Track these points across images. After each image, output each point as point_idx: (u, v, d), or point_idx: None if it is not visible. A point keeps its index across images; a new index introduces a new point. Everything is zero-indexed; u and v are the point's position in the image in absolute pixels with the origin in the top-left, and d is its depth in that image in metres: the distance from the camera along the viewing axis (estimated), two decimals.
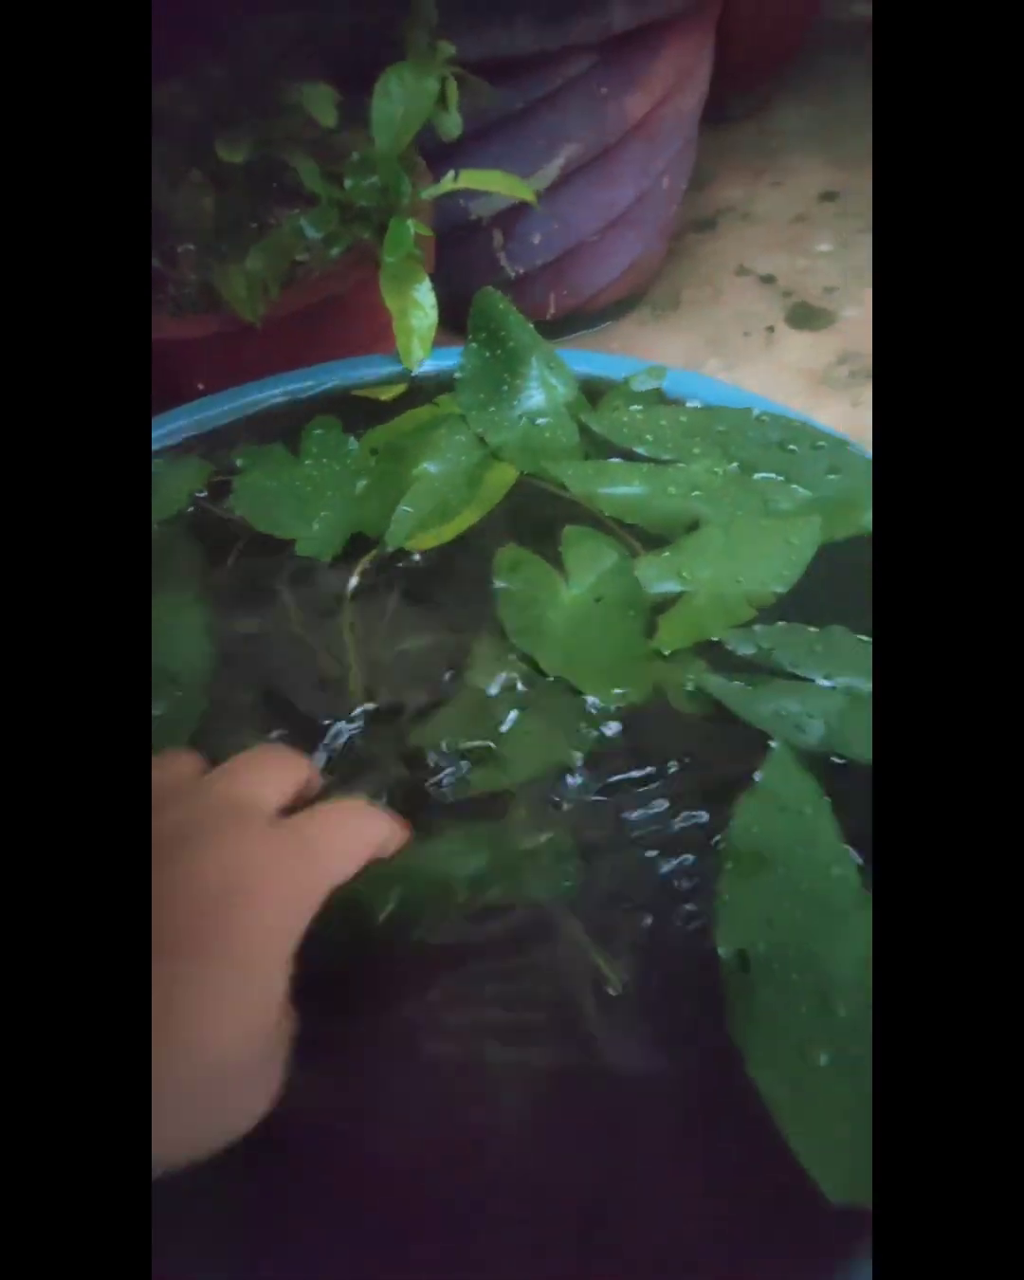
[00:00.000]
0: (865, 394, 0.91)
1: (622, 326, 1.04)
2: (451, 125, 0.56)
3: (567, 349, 0.53)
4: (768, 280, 1.07)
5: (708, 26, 0.87)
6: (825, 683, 0.37)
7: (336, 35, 0.58)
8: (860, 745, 0.35)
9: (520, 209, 0.86)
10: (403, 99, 0.54)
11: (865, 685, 0.36)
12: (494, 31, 0.74)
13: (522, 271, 0.92)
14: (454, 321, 0.55)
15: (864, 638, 0.38)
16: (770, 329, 1.01)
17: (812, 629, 0.39)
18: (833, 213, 1.15)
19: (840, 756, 0.35)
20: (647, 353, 1.00)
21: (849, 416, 0.90)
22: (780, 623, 0.39)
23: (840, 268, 1.07)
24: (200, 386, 0.61)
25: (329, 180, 0.54)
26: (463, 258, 0.91)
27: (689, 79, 0.87)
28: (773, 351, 0.98)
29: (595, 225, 0.91)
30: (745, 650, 0.38)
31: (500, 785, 0.35)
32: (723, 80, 1.21)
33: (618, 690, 0.38)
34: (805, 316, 1.02)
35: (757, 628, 0.39)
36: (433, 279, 0.55)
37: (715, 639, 0.38)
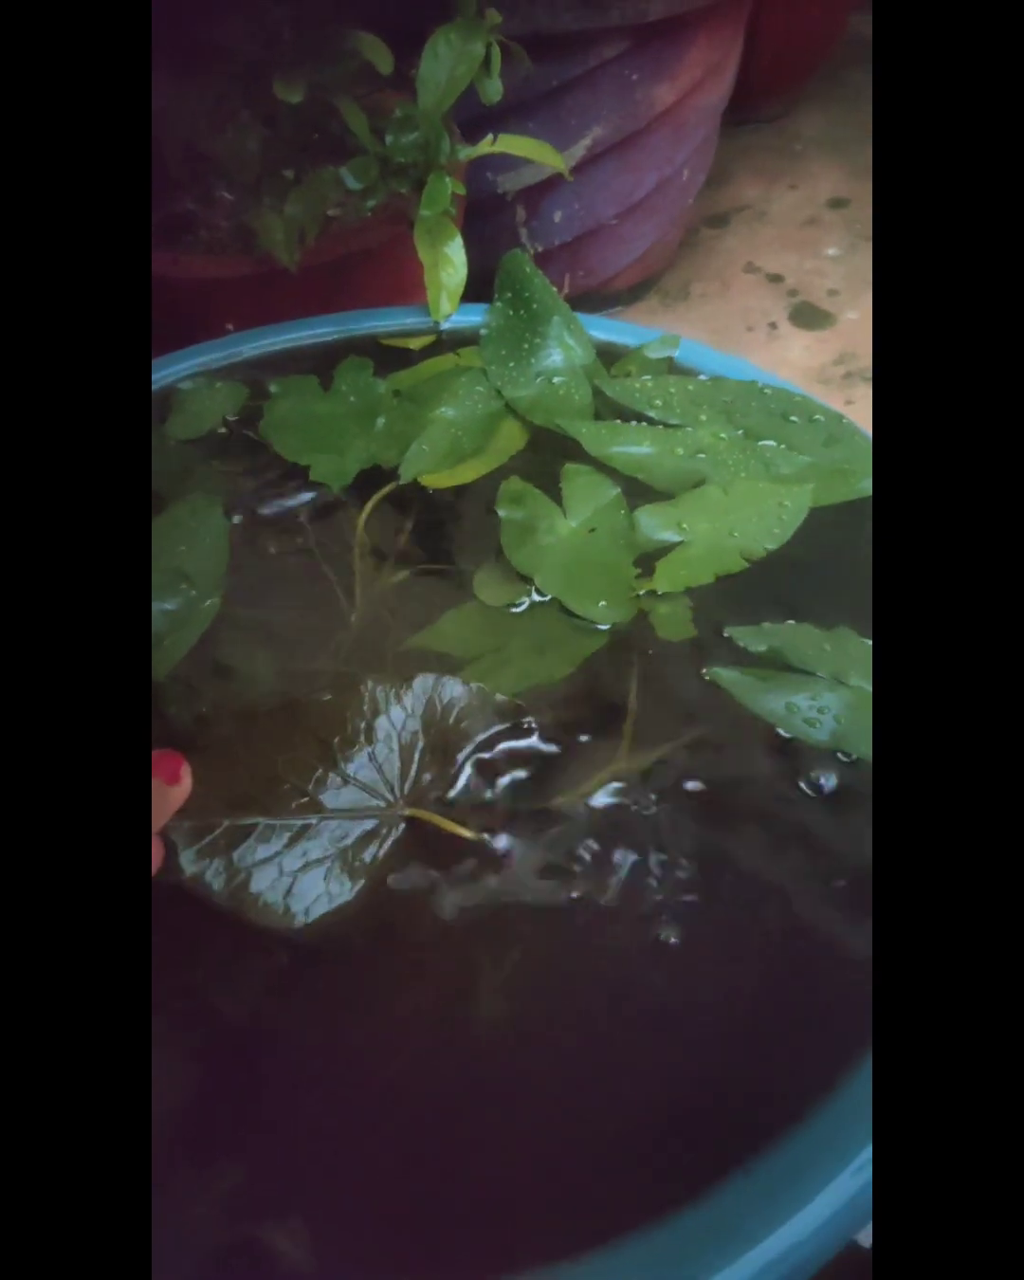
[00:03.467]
0: (859, 393, 0.95)
1: (631, 313, 1.06)
2: (493, 90, 0.58)
3: (586, 315, 0.56)
4: (775, 279, 1.10)
5: (738, 25, 0.89)
6: (834, 682, 0.38)
7: None
8: (868, 744, 0.36)
9: (545, 187, 0.89)
10: (450, 60, 0.56)
11: (870, 686, 0.38)
12: (535, 7, 0.76)
13: (541, 249, 0.95)
14: (473, 292, 0.57)
15: (869, 641, 0.39)
16: (773, 325, 1.04)
17: (818, 629, 0.40)
18: (843, 218, 1.18)
19: (846, 754, 0.36)
20: None
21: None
22: (791, 622, 0.40)
23: (845, 271, 1.10)
24: (229, 326, 0.63)
25: (371, 136, 0.56)
26: (486, 231, 0.94)
27: (716, 75, 0.90)
28: (774, 347, 1.01)
29: (615, 209, 0.93)
30: (756, 646, 0.39)
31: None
32: (750, 86, 1.25)
33: (606, 609, 0.40)
34: (808, 316, 1.05)
35: (766, 625, 0.40)
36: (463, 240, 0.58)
37: (724, 633, 0.40)
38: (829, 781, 0.35)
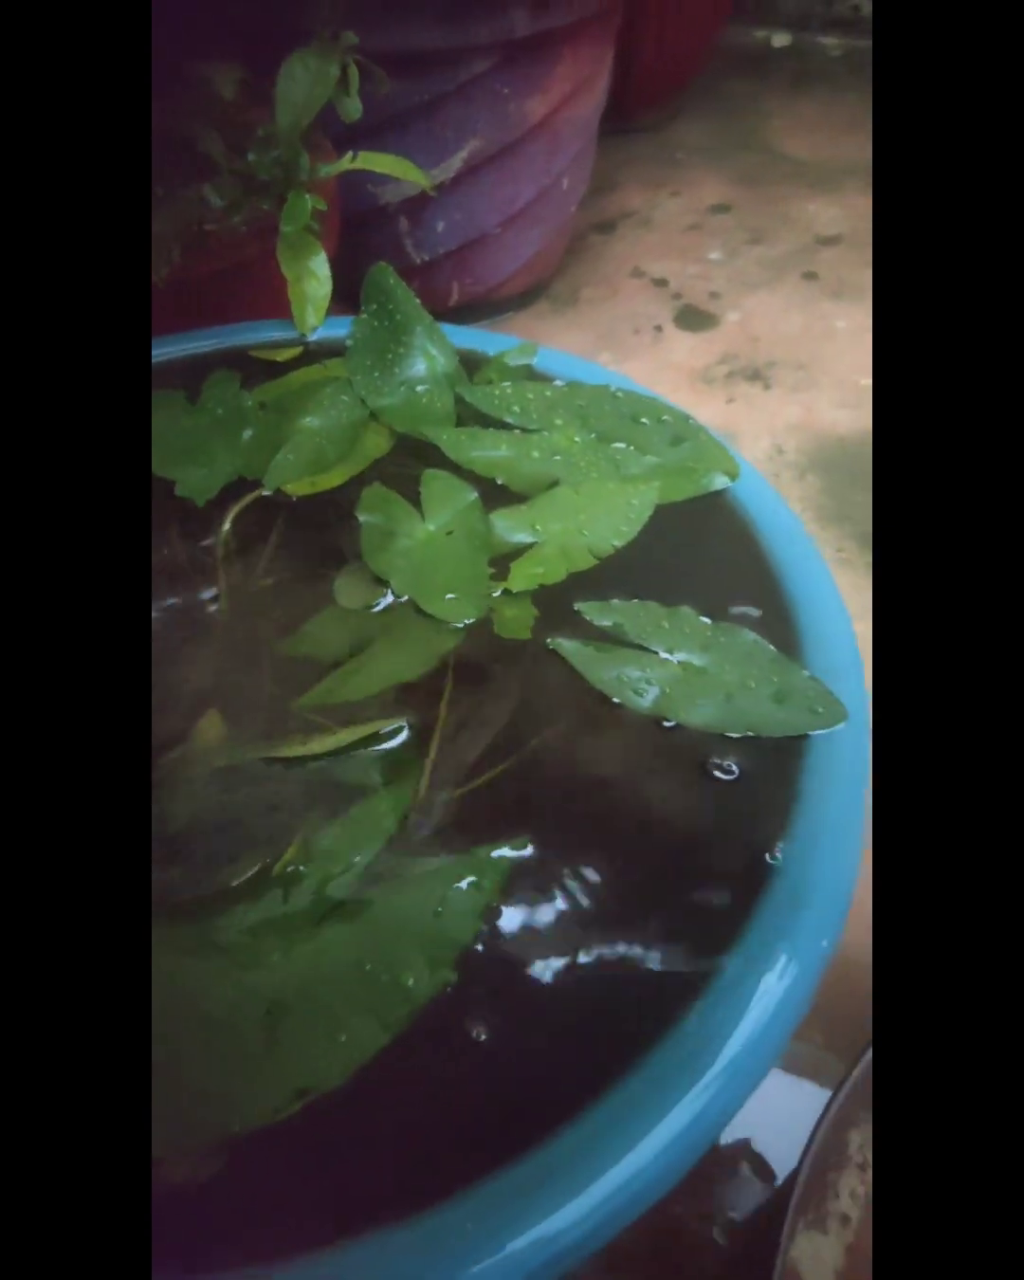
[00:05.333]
0: (740, 391, 0.98)
1: (521, 318, 1.09)
2: (352, 109, 0.60)
3: (449, 325, 0.58)
4: (660, 283, 1.14)
5: (607, 40, 0.92)
6: (667, 656, 0.41)
7: (247, 18, 0.62)
8: (687, 712, 0.39)
9: (426, 199, 0.91)
10: (306, 81, 0.58)
11: (699, 660, 0.41)
12: (400, 27, 0.78)
13: (426, 258, 0.97)
14: (356, 299, 0.59)
15: (706, 619, 0.42)
16: (659, 328, 1.07)
17: (662, 607, 0.43)
18: (723, 224, 1.22)
19: (669, 720, 0.39)
20: (545, 343, 1.06)
21: (724, 411, 0.96)
22: (636, 600, 0.43)
23: (727, 275, 1.14)
24: None
25: (236, 156, 0.58)
26: (371, 242, 0.95)
27: (587, 88, 0.93)
28: (660, 349, 1.05)
29: (497, 219, 0.96)
30: (602, 621, 0.42)
31: (352, 697, 0.40)
32: (628, 96, 1.28)
33: (456, 605, 0.42)
34: (692, 319, 1.08)
35: (615, 601, 0.43)
36: (341, 260, 0.59)
37: (575, 607, 0.43)
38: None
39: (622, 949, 0.32)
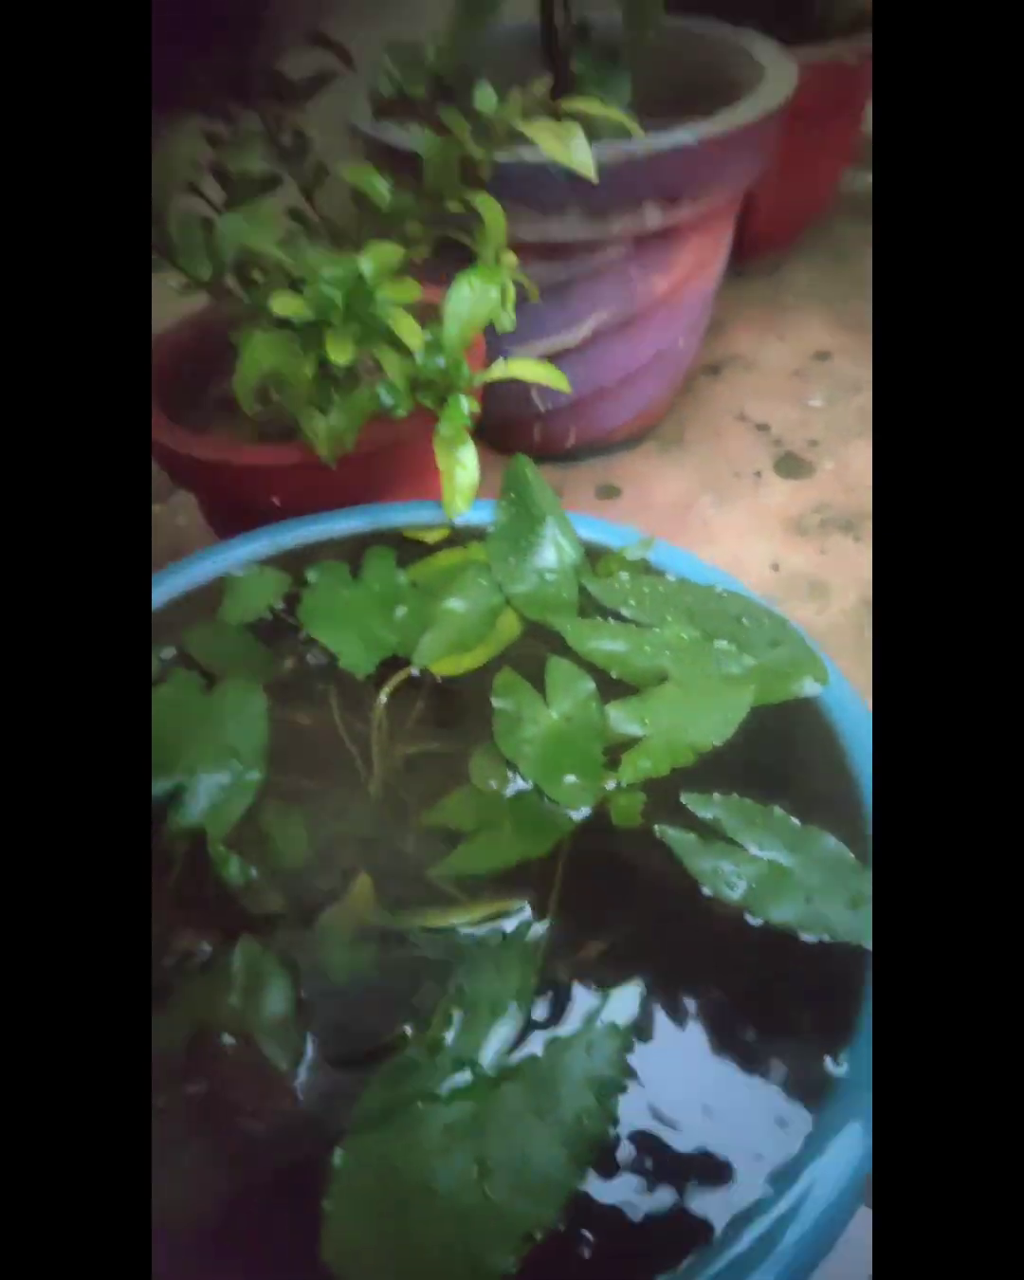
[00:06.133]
0: (832, 542, 1.05)
1: (631, 458, 1.18)
2: (507, 322, 0.69)
3: (576, 513, 0.66)
4: (762, 428, 1.21)
5: (728, 225, 1.02)
6: (757, 852, 0.47)
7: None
8: (772, 908, 0.45)
9: (555, 358, 1.01)
10: (472, 300, 0.67)
11: (786, 860, 0.47)
12: (549, 222, 0.89)
13: (549, 408, 1.06)
14: (489, 439, 0.67)
15: (795, 821, 0.49)
16: (759, 474, 1.15)
17: (756, 805, 0.49)
18: (826, 370, 1.30)
19: (754, 916, 0.45)
20: (650, 484, 1.14)
21: (816, 561, 1.03)
22: (734, 795, 0.49)
23: (826, 422, 1.21)
24: (275, 500, 0.74)
25: (403, 361, 0.67)
26: (505, 390, 1.05)
27: (708, 265, 1.02)
28: (759, 494, 1.12)
29: (617, 377, 1.05)
30: (704, 813, 0.49)
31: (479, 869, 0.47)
32: (746, 241, 1.37)
33: (575, 799, 0.50)
34: (791, 466, 1.16)
35: (716, 795, 0.49)
36: (481, 402, 0.68)
37: (682, 799, 0.50)
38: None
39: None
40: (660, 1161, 0.37)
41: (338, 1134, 0.37)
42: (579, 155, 0.66)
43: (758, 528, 1.08)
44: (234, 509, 0.82)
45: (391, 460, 0.74)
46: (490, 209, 0.68)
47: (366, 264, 0.60)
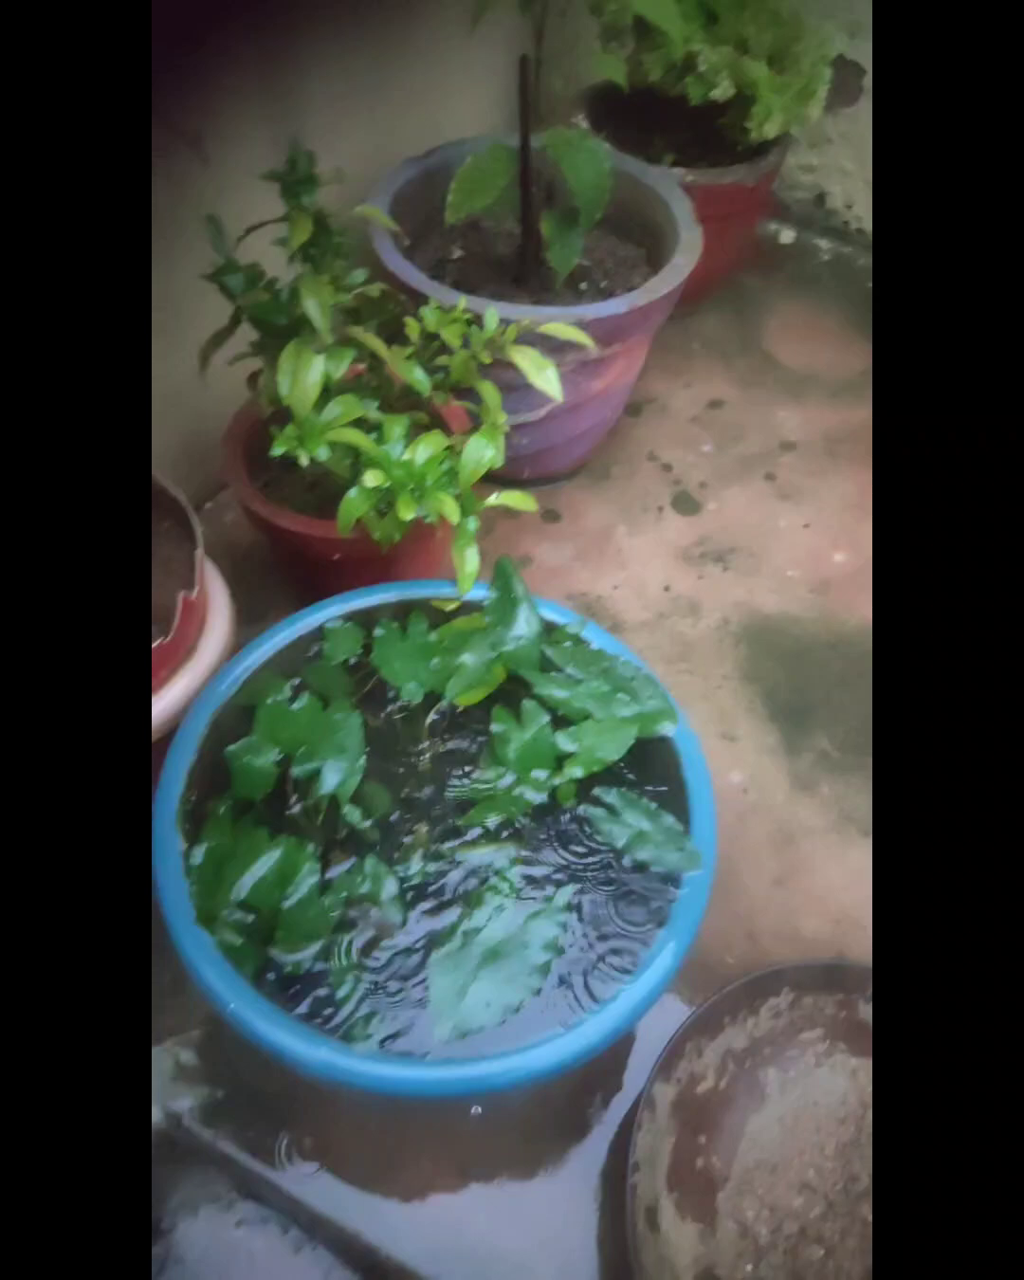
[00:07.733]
0: (707, 570, 1.47)
1: (570, 488, 1.55)
2: (499, 461, 1.07)
3: (540, 599, 1.06)
4: (666, 468, 1.61)
5: (645, 346, 1.39)
6: (631, 821, 0.91)
7: None
8: (638, 853, 0.89)
9: (516, 427, 1.38)
10: (478, 456, 1.05)
11: (646, 826, 0.91)
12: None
13: (510, 456, 1.44)
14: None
15: (653, 805, 0.92)
16: (660, 509, 1.55)
17: (633, 795, 0.93)
18: (718, 419, 1.68)
19: (628, 856, 0.90)
20: (582, 511, 1.53)
21: (695, 586, 1.44)
22: (622, 789, 0.93)
23: (713, 467, 1.61)
24: (335, 556, 1.12)
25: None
26: None
27: (631, 371, 1.40)
28: (660, 527, 1.52)
29: (562, 439, 1.43)
30: (606, 799, 0.92)
31: (486, 822, 0.90)
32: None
33: (537, 786, 0.92)
34: (684, 503, 1.56)
35: (613, 789, 0.93)
36: None
37: (592, 788, 0.93)
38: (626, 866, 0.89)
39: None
40: (577, 960, 0.82)
41: (428, 948, 0.81)
42: (548, 381, 1.02)
43: (657, 555, 1.49)
44: (296, 552, 1.19)
45: (419, 547, 1.13)
46: (490, 393, 1.05)
47: (422, 451, 0.97)
